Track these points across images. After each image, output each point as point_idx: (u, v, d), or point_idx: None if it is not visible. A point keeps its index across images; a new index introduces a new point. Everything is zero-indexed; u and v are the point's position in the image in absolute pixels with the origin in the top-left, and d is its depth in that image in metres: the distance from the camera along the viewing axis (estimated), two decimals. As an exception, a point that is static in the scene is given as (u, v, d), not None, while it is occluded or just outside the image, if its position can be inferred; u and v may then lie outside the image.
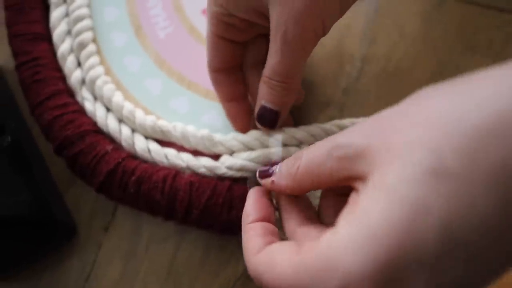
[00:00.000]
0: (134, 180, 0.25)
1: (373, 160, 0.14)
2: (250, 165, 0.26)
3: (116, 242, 0.29)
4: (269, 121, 0.23)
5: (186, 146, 0.27)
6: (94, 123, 0.28)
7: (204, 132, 0.27)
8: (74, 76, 0.29)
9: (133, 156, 0.28)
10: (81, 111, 0.28)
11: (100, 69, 0.29)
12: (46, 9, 0.31)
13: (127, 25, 0.31)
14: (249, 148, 0.26)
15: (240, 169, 0.26)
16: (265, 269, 0.17)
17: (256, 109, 0.24)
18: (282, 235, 0.19)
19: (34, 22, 0.29)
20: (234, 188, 0.26)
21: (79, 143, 0.27)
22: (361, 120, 0.26)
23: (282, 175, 0.19)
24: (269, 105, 0.23)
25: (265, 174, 0.20)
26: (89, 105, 0.28)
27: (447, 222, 0.12)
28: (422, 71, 0.30)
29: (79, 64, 0.29)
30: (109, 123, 0.28)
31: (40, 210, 0.26)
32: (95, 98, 0.29)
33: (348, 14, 0.30)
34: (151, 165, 0.27)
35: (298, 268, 0.15)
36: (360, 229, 0.14)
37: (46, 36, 0.30)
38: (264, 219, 0.19)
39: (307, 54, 0.22)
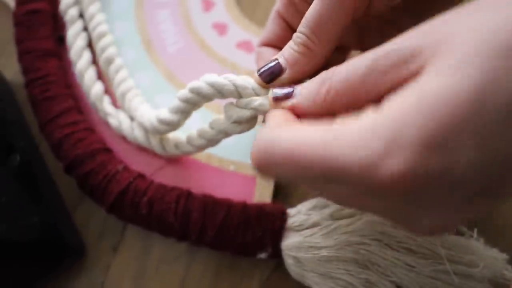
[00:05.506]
0: (146, 200, 0.25)
1: (431, 52, 0.13)
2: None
3: (125, 263, 0.28)
4: (267, 71, 0.20)
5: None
6: (104, 141, 0.28)
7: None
8: (93, 92, 0.28)
9: (143, 176, 0.27)
10: (91, 129, 0.28)
11: (130, 82, 0.29)
12: (55, 25, 0.30)
13: (137, 40, 0.31)
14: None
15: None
16: (283, 138, 0.15)
17: None
18: None
19: (44, 39, 0.29)
20: (249, 208, 0.25)
21: (89, 162, 0.26)
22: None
23: (305, 98, 0.17)
24: (281, 59, 0.19)
25: (282, 97, 0.18)
26: (112, 120, 0.28)
27: None
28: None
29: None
30: (136, 134, 0.27)
31: (49, 231, 0.25)
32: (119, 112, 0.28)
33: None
34: (163, 185, 0.26)
35: (327, 136, 0.14)
36: (416, 103, 0.13)
37: (55, 52, 0.29)
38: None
39: (343, 11, 0.19)
